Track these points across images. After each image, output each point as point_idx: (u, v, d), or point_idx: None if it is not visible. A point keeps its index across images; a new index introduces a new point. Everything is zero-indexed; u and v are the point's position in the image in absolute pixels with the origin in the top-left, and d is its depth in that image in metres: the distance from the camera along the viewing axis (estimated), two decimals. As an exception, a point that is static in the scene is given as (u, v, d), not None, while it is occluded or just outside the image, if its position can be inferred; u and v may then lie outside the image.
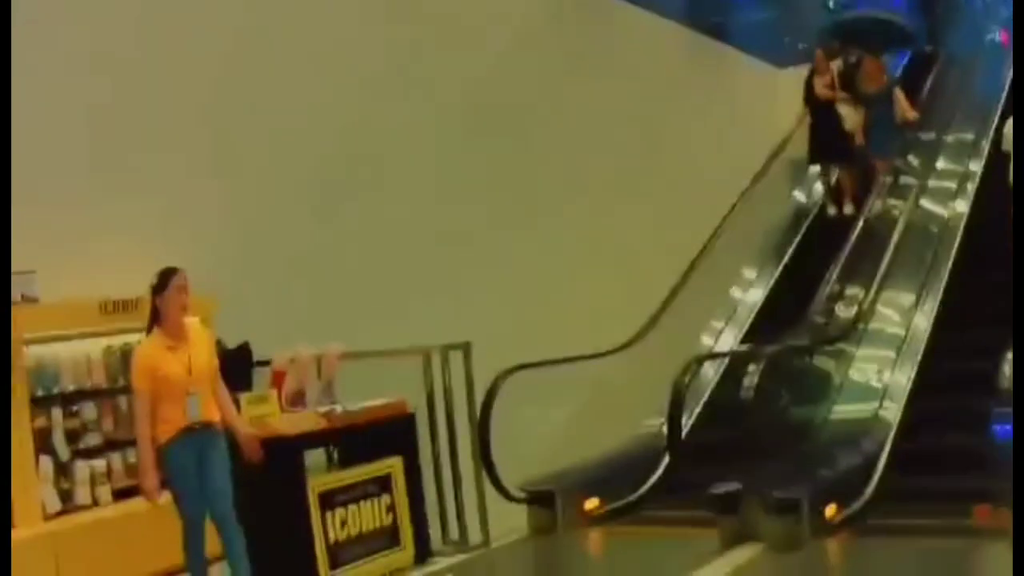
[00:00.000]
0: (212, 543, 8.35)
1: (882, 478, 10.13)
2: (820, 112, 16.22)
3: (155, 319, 8.29)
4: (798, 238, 15.58)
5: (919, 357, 11.53)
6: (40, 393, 9.43)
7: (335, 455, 9.43)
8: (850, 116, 15.98)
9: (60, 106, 10.08)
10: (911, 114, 15.66)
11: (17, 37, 9.24)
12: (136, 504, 9.51)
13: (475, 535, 9.92)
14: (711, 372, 12.43)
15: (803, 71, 16.98)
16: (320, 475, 9.02)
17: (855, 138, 15.99)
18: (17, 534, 8.81)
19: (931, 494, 9.93)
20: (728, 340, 13.48)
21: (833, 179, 16.45)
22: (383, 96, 13.07)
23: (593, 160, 16.11)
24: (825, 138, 16.05)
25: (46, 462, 9.29)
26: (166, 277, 8.24)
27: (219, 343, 9.25)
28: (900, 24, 18.34)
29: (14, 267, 9.17)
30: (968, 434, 9.95)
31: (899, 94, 15.83)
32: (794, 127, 16.70)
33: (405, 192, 13.28)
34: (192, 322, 8.55)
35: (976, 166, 14.65)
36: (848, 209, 15.70)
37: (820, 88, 16.19)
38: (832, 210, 16.08)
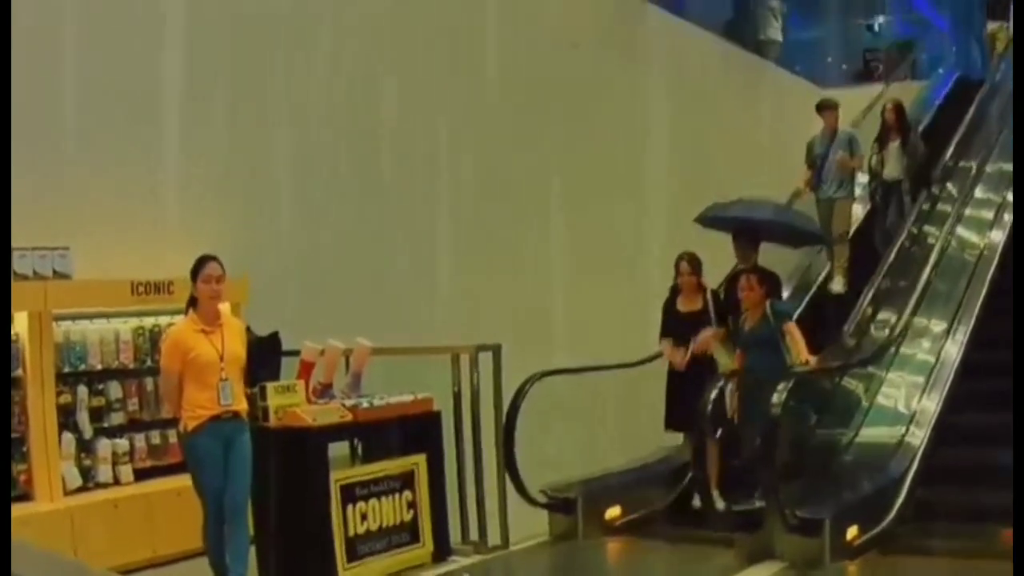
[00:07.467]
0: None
1: (905, 502, 10.07)
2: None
3: (192, 303, 8.35)
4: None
5: (947, 384, 11.42)
6: (67, 369, 9.45)
7: (359, 449, 9.42)
8: (725, 361, 10.84)
9: (100, 91, 10.11)
10: (805, 356, 10.22)
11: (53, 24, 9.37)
12: (157, 485, 9.58)
13: (495, 537, 9.89)
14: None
15: (844, 92, 16.59)
16: (343, 468, 9.01)
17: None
18: (36, 507, 8.85)
19: (955, 519, 9.89)
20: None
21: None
22: (417, 97, 13.07)
23: (629, 167, 16.08)
24: (694, 389, 10.20)
25: (69, 438, 9.30)
26: (199, 264, 8.32)
27: (249, 330, 9.23)
28: (801, 227, 12.51)
29: (48, 243, 9.21)
30: (994, 463, 9.89)
31: (793, 331, 10.34)
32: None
33: (441, 192, 13.30)
34: (225, 310, 8.59)
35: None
36: (719, 504, 9.97)
37: (690, 321, 11.04)
38: (697, 502, 10.24)
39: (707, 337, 10.75)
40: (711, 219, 11.89)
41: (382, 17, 12.86)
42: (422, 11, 13.29)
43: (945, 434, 10.87)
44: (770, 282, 10.86)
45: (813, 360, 10.37)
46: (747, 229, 11.46)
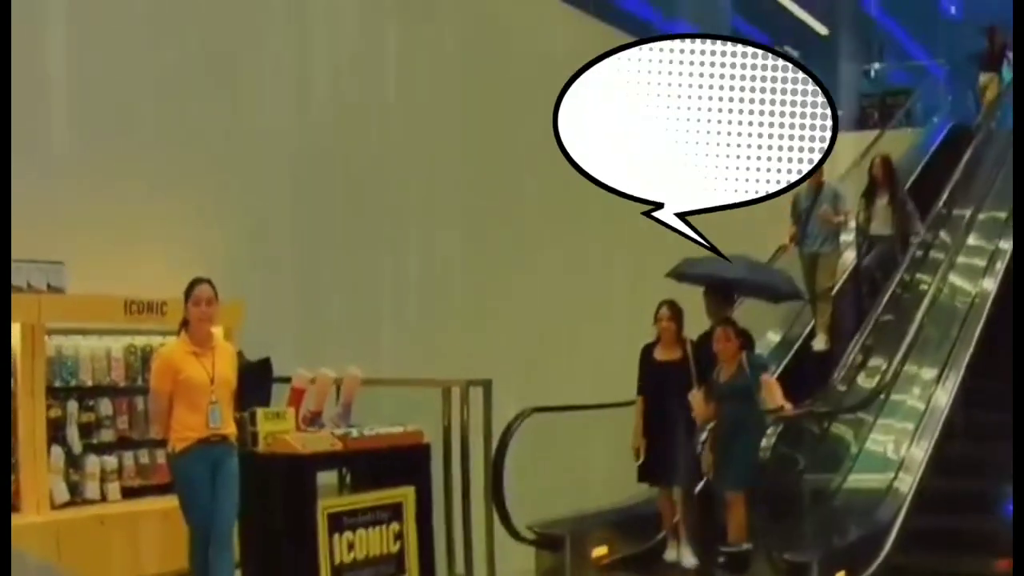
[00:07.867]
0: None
1: (893, 548, 10.05)
2: (662, 403, 10.56)
3: (184, 325, 8.34)
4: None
5: (937, 432, 11.41)
6: (57, 384, 9.42)
7: (348, 478, 9.38)
8: (701, 410, 10.27)
9: (97, 104, 10.12)
10: (780, 402, 10.02)
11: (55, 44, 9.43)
12: (144, 504, 9.54)
13: (481, 571, 9.85)
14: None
15: (840, 138, 16.41)
16: (331, 497, 8.98)
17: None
18: (22, 519, 8.78)
19: (946, 557, 9.97)
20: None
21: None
22: (407, 126, 13.11)
23: (628, 207, 16.04)
24: (671, 440, 10.41)
25: (58, 452, 9.26)
26: (191, 287, 8.32)
27: (241, 355, 9.20)
28: (777, 285, 12.05)
29: (43, 256, 9.17)
30: (982, 510, 9.92)
31: (770, 383, 10.21)
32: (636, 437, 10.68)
33: (439, 223, 13.30)
34: (217, 334, 8.58)
35: (1007, 244, 14.17)
36: (689, 561, 10.36)
37: (668, 370, 10.59)
38: (671, 554, 10.50)
39: (700, 402, 10.25)
40: (682, 275, 11.24)
41: (379, 44, 12.95)
42: (417, 41, 13.35)
43: (938, 468, 10.92)
44: (744, 335, 10.56)
45: (788, 407, 10.10)
46: (720, 286, 11.11)
